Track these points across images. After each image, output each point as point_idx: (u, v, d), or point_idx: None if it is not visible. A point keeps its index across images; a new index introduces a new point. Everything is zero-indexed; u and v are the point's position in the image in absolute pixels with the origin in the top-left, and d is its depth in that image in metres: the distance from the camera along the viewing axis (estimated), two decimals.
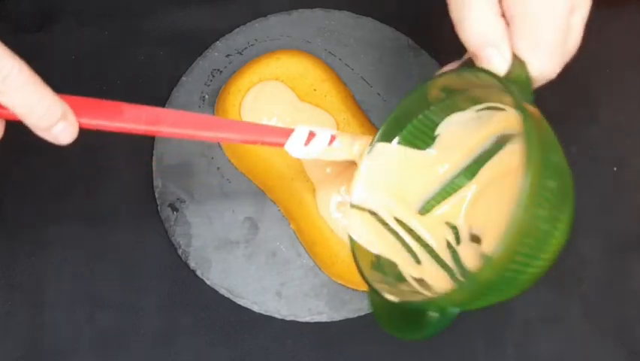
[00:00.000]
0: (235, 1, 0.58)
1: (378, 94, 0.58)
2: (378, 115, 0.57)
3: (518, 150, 0.45)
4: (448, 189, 0.47)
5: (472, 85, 0.43)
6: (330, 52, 0.59)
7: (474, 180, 0.46)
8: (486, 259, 0.41)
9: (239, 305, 0.55)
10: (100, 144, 0.57)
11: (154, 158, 0.57)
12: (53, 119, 0.39)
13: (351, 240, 0.45)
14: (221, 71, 0.58)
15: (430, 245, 0.46)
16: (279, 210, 0.56)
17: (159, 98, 0.58)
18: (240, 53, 0.59)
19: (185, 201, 0.56)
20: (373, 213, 0.46)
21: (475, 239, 0.45)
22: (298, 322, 0.54)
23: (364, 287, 0.54)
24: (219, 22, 0.59)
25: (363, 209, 0.46)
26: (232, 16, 0.59)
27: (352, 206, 0.46)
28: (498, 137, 0.45)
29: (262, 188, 0.56)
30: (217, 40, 0.59)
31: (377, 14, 0.59)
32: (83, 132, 0.57)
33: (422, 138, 0.46)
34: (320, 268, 0.55)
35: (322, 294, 0.55)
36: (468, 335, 0.54)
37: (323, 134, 0.48)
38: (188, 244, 0.56)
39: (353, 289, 0.54)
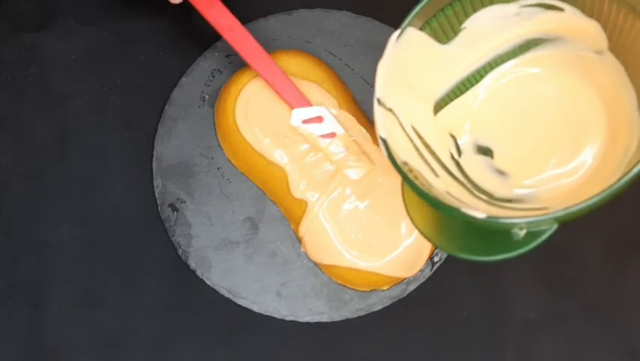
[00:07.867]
0: (235, 1, 0.58)
1: None
2: None
3: (544, 57, 0.43)
4: (457, 90, 0.45)
5: None
6: (330, 52, 0.59)
7: (482, 83, 0.44)
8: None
9: (239, 305, 0.55)
10: (100, 144, 0.58)
11: (154, 158, 0.57)
12: None
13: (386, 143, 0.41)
14: (221, 71, 0.58)
15: (438, 155, 0.43)
16: (279, 210, 0.56)
17: (159, 98, 0.58)
18: None
19: (185, 202, 0.56)
20: (394, 114, 0.43)
21: (483, 151, 0.43)
22: (298, 322, 0.54)
23: (364, 287, 0.54)
24: None
25: (385, 107, 0.42)
26: None
27: (377, 101, 0.42)
28: (526, 40, 0.43)
29: (262, 188, 0.56)
30: (217, 40, 0.59)
31: (377, 14, 0.59)
32: (83, 132, 0.58)
33: (446, 31, 0.43)
34: (320, 268, 0.55)
35: (322, 294, 0.55)
36: (468, 335, 0.54)
37: (327, 126, 0.53)
38: (188, 245, 0.56)
39: (353, 289, 0.54)
